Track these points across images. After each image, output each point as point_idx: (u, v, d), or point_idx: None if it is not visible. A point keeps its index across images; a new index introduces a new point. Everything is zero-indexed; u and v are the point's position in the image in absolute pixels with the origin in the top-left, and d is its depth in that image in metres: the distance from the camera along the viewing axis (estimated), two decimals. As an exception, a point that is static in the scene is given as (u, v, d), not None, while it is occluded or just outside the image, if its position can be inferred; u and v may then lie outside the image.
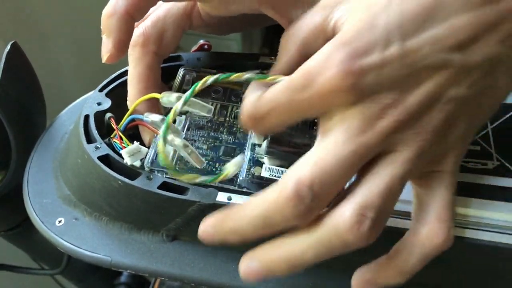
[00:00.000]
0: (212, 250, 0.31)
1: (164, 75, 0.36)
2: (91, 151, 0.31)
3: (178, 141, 0.26)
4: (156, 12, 0.33)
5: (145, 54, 0.32)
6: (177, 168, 0.30)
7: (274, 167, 0.29)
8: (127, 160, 0.29)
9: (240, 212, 0.24)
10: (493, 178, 0.30)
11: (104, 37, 0.29)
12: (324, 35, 0.24)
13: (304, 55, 0.25)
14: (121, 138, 0.31)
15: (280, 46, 0.27)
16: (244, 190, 0.29)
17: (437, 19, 0.21)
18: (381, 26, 0.21)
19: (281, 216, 0.22)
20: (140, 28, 0.32)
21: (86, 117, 0.33)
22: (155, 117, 0.30)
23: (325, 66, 0.22)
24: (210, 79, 0.25)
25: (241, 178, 0.29)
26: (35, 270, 0.53)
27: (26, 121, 0.41)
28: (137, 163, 0.30)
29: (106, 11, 0.29)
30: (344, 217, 0.22)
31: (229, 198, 0.28)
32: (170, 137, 0.26)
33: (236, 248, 0.31)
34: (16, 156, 0.39)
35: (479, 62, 0.22)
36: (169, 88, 0.35)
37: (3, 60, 0.38)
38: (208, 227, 0.24)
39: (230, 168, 0.26)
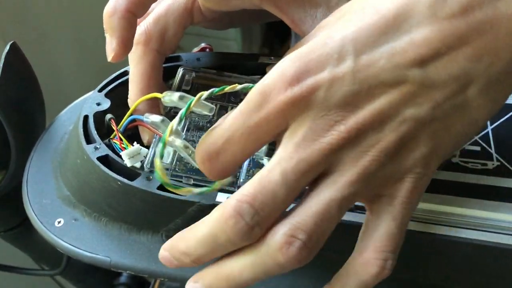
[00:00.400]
0: (211, 250, 0.31)
1: (163, 74, 0.36)
2: (91, 151, 0.31)
3: (178, 142, 0.26)
4: (157, 9, 0.33)
5: (148, 52, 0.32)
6: (176, 169, 0.30)
7: None
8: (127, 162, 0.29)
9: (189, 233, 0.24)
10: (493, 178, 0.30)
11: (107, 36, 0.29)
12: None
13: None
14: (120, 139, 0.30)
15: None
16: None
17: (398, 32, 0.20)
18: (336, 40, 0.21)
19: (225, 235, 0.22)
20: (142, 26, 0.32)
21: (86, 118, 0.33)
22: (155, 118, 0.30)
23: (278, 82, 0.21)
24: (204, 94, 0.25)
25: (241, 181, 0.29)
26: (34, 271, 0.53)
27: (26, 121, 0.41)
28: (137, 164, 0.30)
29: (107, 10, 0.29)
30: (275, 237, 0.21)
31: (229, 199, 0.28)
32: (170, 138, 0.26)
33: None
34: (16, 156, 0.39)
35: (443, 80, 0.20)
36: (168, 88, 0.35)
37: (2, 60, 0.38)
38: (164, 251, 0.25)
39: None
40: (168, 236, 0.31)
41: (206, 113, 0.28)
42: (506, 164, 0.31)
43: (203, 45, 0.42)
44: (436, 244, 0.29)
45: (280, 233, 0.21)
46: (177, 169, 0.30)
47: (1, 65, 0.37)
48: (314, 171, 0.22)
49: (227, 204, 0.22)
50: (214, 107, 0.28)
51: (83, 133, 0.32)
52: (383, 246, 0.22)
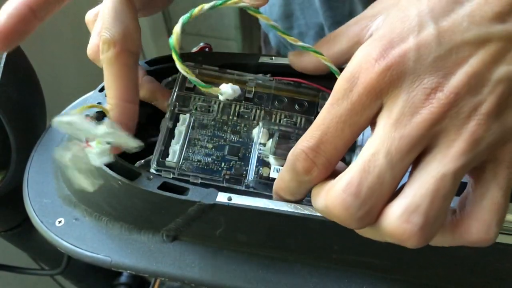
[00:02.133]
0: (212, 250, 0.31)
1: (163, 74, 0.36)
2: (91, 151, 0.31)
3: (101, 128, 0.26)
4: (105, 11, 0.30)
5: (118, 54, 0.29)
6: (183, 167, 0.30)
7: (281, 168, 0.29)
8: (96, 163, 0.28)
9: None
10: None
11: None
12: (359, 46, 0.24)
13: (337, 65, 0.26)
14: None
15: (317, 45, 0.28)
16: (251, 190, 0.29)
17: None
18: (412, 16, 0.21)
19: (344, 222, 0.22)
20: (102, 34, 0.30)
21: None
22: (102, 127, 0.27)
23: (364, 64, 0.21)
24: (206, 6, 0.24)
25: (249, 179, 0.30)
26: (35, 271, 0.53)
27: (26, 121, 0.41)
28: (137, 164, 0.30)
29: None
30: (388, 221, 0.21)
31: (229, 199, 0.28)
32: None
33: (236, 249, 0.31)
34: (16, 156, 0.39)
35: None
36: (166, 85, 0.35)
37: (3, 60, 0.38)
38: None
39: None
40: (169, 236, 0.31)
41: (130, 146, 0.27)
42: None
43: (202, 44, 0.42)
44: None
45: (393, 217, 0.21)
46: (183, 168, 0.30)
47: (2, 65, 0.37)
48: (419, 147, 0.21)
49: (333, 198, 0.21)
50: (142, 144, 0.27)
51: (83, 133, 0.32)
52: (489, 220, 0.21)
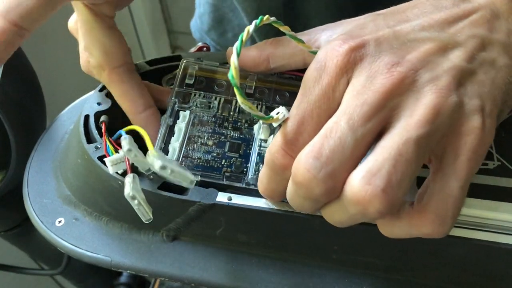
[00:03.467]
0: (212, 250, 0.31)
1: (164, 74, 0.36)
2: (91, 151, 0.31)
3: (157, 164, 0.26)
4: (81, 31, 0.31)
5: (109, 73, 0.31)
6: (183, 165, 0.30)
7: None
8: (110, 169, 0.28)
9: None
10: (493, 178, 0.30)
11: None
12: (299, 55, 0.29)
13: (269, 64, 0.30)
14: (106, 144, 0.30)
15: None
16: (252, 187, 0.29)
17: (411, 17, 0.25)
18: (369, 25, 0.25)
19: (300, 198, 0.23)
20: (91, 59, 0.31)
21: (86, 117, 0.33)
22: (124, 145, 0.28)
23: (329, 51, 0.23)
24: (251, 28, 0.24)
25: (249, 176, 0.29)
26: (35, 270, 0.53)
27: (26, 121, 0.41)
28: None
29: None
30: (350, 186, 0.21)
31: (229, 198, 0.28)
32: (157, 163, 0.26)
33: (236, 249, 0.31)
34: (16, 156, 0.39)
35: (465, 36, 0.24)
36: (167, 82, 0.35)
37: (3, 60, 0.38)
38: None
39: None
40: (169, 236, 0.31)
41: (185, 185, 0.27)
42: (506, 164, 0.31)
43: (200, 44, 0.42)
44: (435, 244, 0.29)
45: (355, 181, 0.21)
46: (183, 165, 0.30)
47: (2, 65, 0.37)
48: (380, 114, 0.21)
49: (296, 164, 0.22)
50: (195, 179, 0.27)
51: (83, 133, 0.32)
52: (445, 212, 0.21)
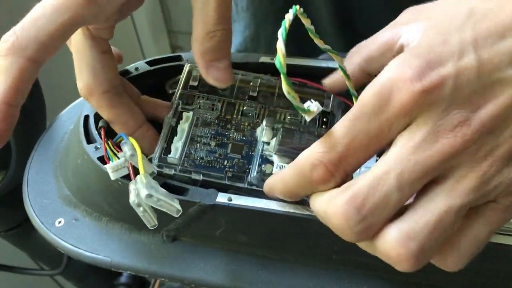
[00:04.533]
0: (212, 250, 0.31)
1: (164, 74, 0.36)
2: (91, 151, 0.31)
3: (143, 192, 0.26)
4: (76, 62, 0.31)
5: (98, 99, 0.31)
6: (185, 164, 0.30)
7: (285, 165, 0.29)
8: (111, 175, 0.28)
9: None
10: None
11: None
12: (391, 53, 0.24)
13: (365, 71, 0.26)
14: (106, 150, 0.30)
15: (346, 58, 0.27)
16: (254, 188, 0.29)
17: None
18: (455, 41, 0.21)
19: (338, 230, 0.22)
20: (78, 83, 0.31)
21: (86, 118, 0.33)
22: (126, 150, 0.28)
23: (399, 82, 0.20)
24: (290, 15, 0.23)
25: (252, 176, 0.29)
26: (35, 271, 0.53)
27: (26, 121, 0.41)
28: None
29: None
30: (385, 240, 0.21)
31: (229, 199, 0.28)
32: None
33: (236, 249, 0.31)
34: (16, 156, 0.39)
35: None
36: (170, 86, 0.35)
37: (3, 60, 0.38)
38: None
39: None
40: (169, 236, 0.31)
41: (171, 213, 0.27)
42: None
43: None
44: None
45: (392, 238, 0.21)
46: (185, 165, 0.30)
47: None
48: (431, 175, 0.21)
49: (335, 207, 0.21)
50: (180, 210, 0.27)
51: (83, 133, 0.32)
52: (466, 252, 0.22)
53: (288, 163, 0.30)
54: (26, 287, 0.81)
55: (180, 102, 0.32)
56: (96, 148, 0.31)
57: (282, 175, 0.25)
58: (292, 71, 0.34)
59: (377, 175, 0.21)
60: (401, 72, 0.20)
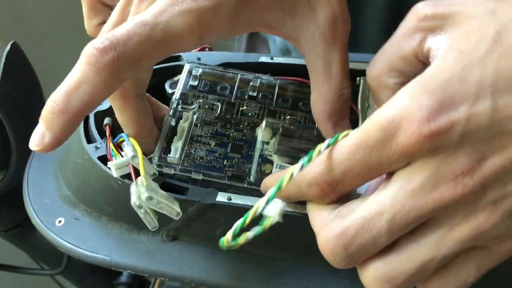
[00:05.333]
0: (212, 250, 0.31)
1: (164, 74, 0.36)
2: (91, 151, 0.31)
3: (144, 195, 0.26)
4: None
5: (129, 102, 0.29)
6: (185, 164, 0.30)
7: (284, 164, 0.29)
8: (114, 173, 0.29)
9: None
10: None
11: (41, 125, 0.25)
12: (418, 60, 0.23)
13: (404, 82, 0.23)
14: (111, 149, 0.30)
15: (373, 86, 0.25)
16: (254, 187, 0.29)
17: None
18: (474, 80, 0.19)
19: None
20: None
21: (86, 117, 0.33)
22: (128, 151, 0.28)
23: (406, 118, 0.19)
24: (295, 170, 0.23)
25: (251, 176, 0.29)
26: (35, 270, 0.53)
27: (26, 121, 0.41)
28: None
29: (53, 104, 0.24)
30: (366, 276, 0.22)
31: (229, 198, 0.28)
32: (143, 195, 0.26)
33: (236, 249, 0.31)
34: (16, 156, 0.39)
35: None
36: (170, 86, 0.35)
37: (3, 60, 0.38)
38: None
39: (272, 212, 0.24)
40: (169, 236, 0.31)
41: (171, 216, 0.27)
42: None
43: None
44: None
45: (371, 275, 0.21)
46: (185, 164, 0.30)
47: (2, 65, 0.37)
48: (424, 220, 0.20)
49: (323, 239, 0.21)
50: (180, 213, 0.28)
51: (83, 133, 0.32)
52: None
53: (287, 162, 0.30)
54: (26, 287, 0.81)
55: (180, 102, 0.32)
56: (96, 147, 0.31)
57: (279, 178, 0.25)
58: (287, 71, 0.34)
59: (369, 215, 0.20)
60: (410, 110, 0.19)
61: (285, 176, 0.22)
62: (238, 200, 0.28)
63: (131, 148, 0.28)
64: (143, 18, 0.24)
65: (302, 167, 0.22)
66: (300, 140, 0.30)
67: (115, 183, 0.30)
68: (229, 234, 0.23)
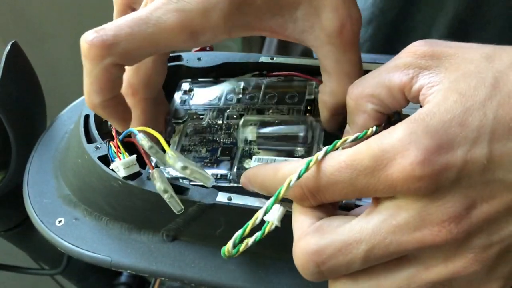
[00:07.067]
0: (212, 250, 0.31)
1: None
2: (91, 151, 0.31)
3: (178, 165, 0.26)
4: None
5: (137, 103, 0.31)
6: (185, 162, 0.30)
7: (264, 157, 0.30)
8: (122, 172, 0.29)
9: None
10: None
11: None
12: (403, 95, 0.22)
13: (381, 112, 0.24)
14: (119, 148, 0.30)
15: (350, 105, 0.25)
16: (235, 185, 0.30)
17: None
18: (474, 125, 0.19)
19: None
20: (126, 79, 0.30)
21: (86, 117, 0.33)
22: (145, 143, 0.28)
23: (402, 153, 0.19)
24: (320, 154, 0.22)
25: (232, 172, 0.30)
26: (35, 270, 0.53)
27: (26, 121, 0.41)
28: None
29: (88, 105, 0.27)
30: None
31: (229, 198, 0.28)
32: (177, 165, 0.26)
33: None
34: (17, 156, 0.39)
35: None
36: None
37: (3, 60, 0.38)
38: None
39: (271, 217, 0.24)
40: (169, 236, 0.31)
41: (205, 184, 0.27)
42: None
43: None
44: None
45: None
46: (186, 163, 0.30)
47: (2, 65, 0.37)
48: (401, 255, 0.20)
49: (298, 251, 0.21)
50: (213, 180, 0.28)
51: (84, 133, 0.32)
52: None
53: (270, 155, 0.30)
54: (26, 287, 0.81)
55: (172, 118, 0.34)
56: (96, 147, 0.31)
57: (263, 173, 0.25)
58: (294, 71, 0.34)
59: (348, 241, 0.20)
60: (407, 146, 0.19)
61: (283, 186, 0.22)
62: (238, 200, 0.28)
63: (147, 139, 0.28)
64: (139, 14, 0.25)
65: (299, 176, 0.22)
66: (280, 130, 0.30)
67: (115, 183, 0.30)
68: (230, 244, 0.23)
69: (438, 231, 0.19)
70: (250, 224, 0.23)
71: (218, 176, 0.30)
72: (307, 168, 0.22)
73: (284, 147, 0.30)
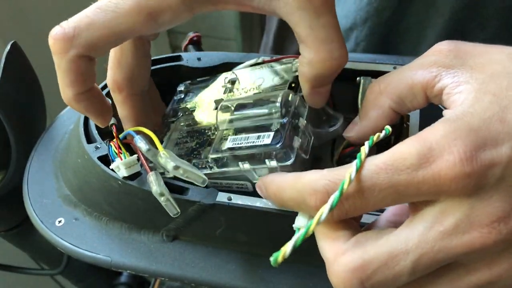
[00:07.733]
0: (212, 250, 0.31)
1: (164, 74, 0.36)
2: (91, 151, 0.31)
3: (170, 164, 0.26)
4: (114, 53, 0.30)
5: (124, 98, 0.31)
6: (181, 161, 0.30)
7: (238, 136, 0.28)
8: (124, 172, 0.29)
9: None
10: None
11: None
12: (424, 94, 0.22)
13: (397, 111, 0.24)
14: (120, 148, 0.30)
15: (368, 99, 0.25)
16: (212, 171, 0.29)
17: None
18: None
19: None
20: (109, 75, 0.31)
21: (86, 117, 0.33)
22: (142, 146, 0.28)
23: (447, 149, 0.18)
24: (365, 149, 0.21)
25: (209, 157, 0.29)
26: (35, 270, 0.53)
27: (26, 121, 0.41)
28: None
29: (64, 100, 0.27)
30: None
31: (229, 198, 0.28)
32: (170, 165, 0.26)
33: (236, 249, 0.31)
34: (16, 156, 0.39)
35: None
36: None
37: (3, 60, 0.38)
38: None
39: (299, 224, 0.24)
40: (169, 236, 0.31)
41: (197, 184, 0.27)
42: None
43: (191, 34, 0.42)
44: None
45: None
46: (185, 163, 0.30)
47: (2, 65, 0.37)
48: (448, 262, 0.19)
49: (338, 271, 0.20)
50: (207, 179, 0.27)
51: (83, 133, 0.32)
52: None
53: (248, 133, 0.28)
54: (26, 287, 0.81)
55: (168, 117, 0.34)
56: (96, 147, 0.31)
57: (280, 180, 0.23)
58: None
59: (394, 252, 0.19)
60: (454, 142, 0.18)
61: (315, 217, 0.20)
62: (238, 200, 0.28)
63: (145, 141, 0.28)
64: (99, 3, 0.25)
65: (331, 208, 0.20)
66: (254, 109, 0.29)
67: (115, 183, 0.30)
68: (288, 249, 0.21)
69: (488, 232, 0.18)
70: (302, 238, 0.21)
71: (201, 166, 0.29)
72: (341, 194, 0.20)
73: (260, 123, 0.28)
